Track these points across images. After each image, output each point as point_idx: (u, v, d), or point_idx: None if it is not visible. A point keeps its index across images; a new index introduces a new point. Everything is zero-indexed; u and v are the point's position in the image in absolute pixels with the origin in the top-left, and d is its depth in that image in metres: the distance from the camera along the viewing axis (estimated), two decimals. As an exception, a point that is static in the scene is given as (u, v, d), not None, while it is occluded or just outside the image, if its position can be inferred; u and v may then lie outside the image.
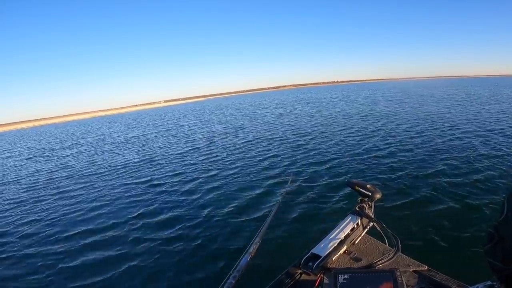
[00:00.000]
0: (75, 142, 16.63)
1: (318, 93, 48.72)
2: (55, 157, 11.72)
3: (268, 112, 19.90)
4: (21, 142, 23.89)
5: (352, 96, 31.00)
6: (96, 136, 19.07)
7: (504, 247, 0.48)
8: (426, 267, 1.10)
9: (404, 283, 0.91)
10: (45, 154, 13.17)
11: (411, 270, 1.09)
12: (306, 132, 10.00)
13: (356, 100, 23.61)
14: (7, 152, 16.98)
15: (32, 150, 15.78)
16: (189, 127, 16.57)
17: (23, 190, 7.08)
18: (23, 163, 11.46)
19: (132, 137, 15.25)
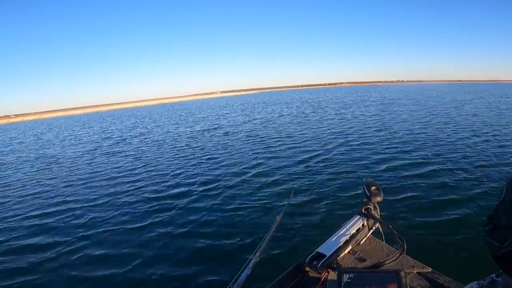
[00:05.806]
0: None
1: (387, 92, 44.54)
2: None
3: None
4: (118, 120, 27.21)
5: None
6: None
7: (499, 226, 0.51)
8: (430, 269, 1.11)
9: (408, 284, 0.91)
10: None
11: (415, 271, 1.10)
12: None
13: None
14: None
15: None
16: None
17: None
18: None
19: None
